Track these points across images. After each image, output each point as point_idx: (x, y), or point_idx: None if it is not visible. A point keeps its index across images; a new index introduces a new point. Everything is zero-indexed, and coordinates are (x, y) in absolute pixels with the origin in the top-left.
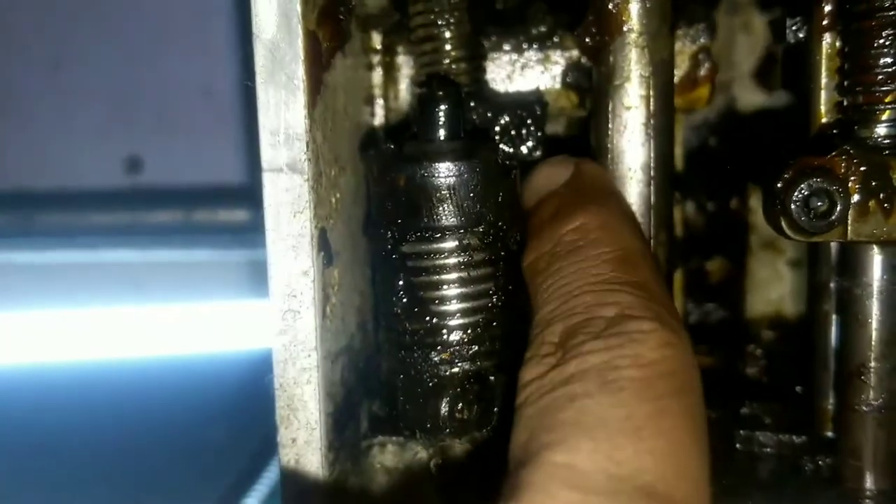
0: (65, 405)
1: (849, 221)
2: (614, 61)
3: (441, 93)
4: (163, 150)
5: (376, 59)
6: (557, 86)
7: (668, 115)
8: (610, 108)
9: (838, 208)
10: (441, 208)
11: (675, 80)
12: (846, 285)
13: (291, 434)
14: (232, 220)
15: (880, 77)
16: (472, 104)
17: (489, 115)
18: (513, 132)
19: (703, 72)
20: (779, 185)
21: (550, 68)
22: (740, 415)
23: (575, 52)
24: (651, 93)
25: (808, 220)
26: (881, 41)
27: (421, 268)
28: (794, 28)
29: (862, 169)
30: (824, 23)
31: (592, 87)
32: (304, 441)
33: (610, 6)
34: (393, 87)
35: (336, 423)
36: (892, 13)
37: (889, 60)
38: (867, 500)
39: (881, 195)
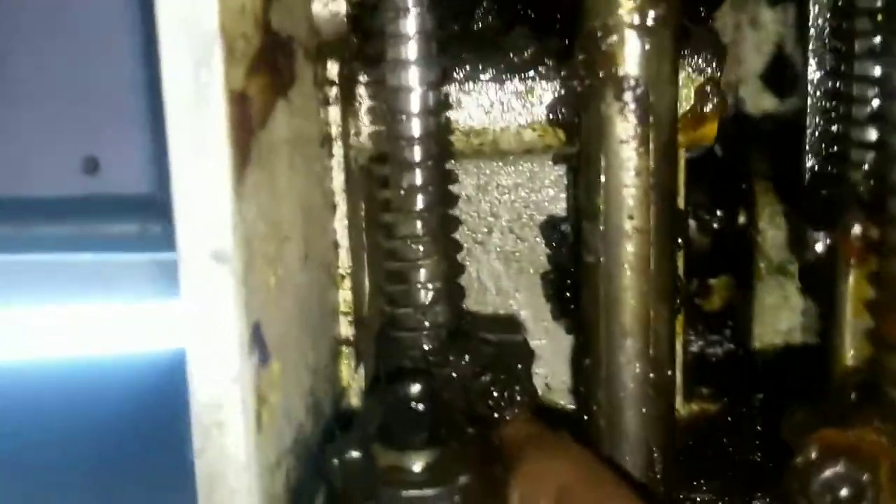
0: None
1: None
2: (606, 111)
3: (416, 390)
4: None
5: (333, 92)
6: (542, 122)
7: (670, 169)
8: (602, 164)
9: (866, 501)
10: None
11: (678, 115)
12: None
13: None
14: None
15: None
16: (448, 357)
17: (469, 368)
18: (496, 394)
19: (710, 107)
20: (799, 461)
21: (534, 104)
22: None
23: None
24: (650, 147)
25: None
26: None
27: None
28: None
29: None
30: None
31: (581, 131)
32: None
33: (602, 46)
34: (354, 123)
35: None
36: None
37: None
38: None
39: None
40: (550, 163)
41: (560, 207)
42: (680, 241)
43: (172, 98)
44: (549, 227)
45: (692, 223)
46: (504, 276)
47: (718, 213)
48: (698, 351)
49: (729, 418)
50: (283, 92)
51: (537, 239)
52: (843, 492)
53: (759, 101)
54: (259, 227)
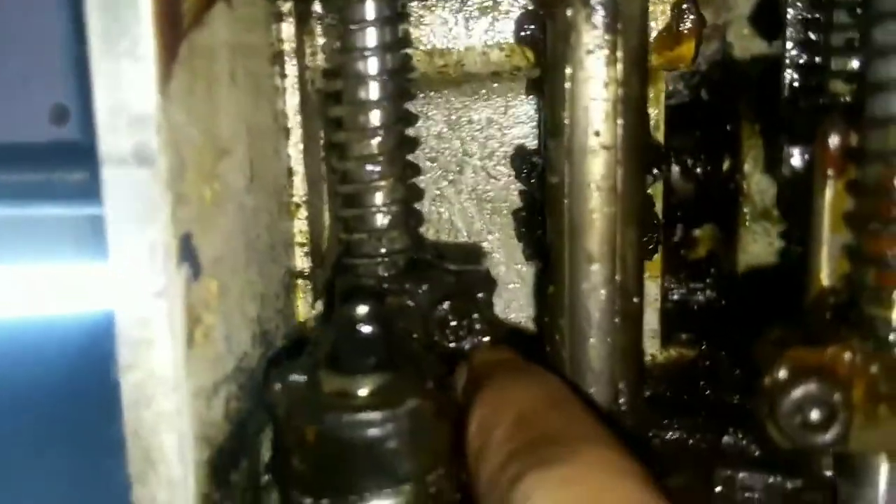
0: None
1: (852, 428)
2: (573, 18)
3: (366, 311)
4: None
5: (287, 6)
6: (510, 40)
7: (639, 82)
8: (567, 75)
9: (838, 422)
10: (361, 466)
11: (653, 34)
12: (846, 490)
13: (150, 493)
14: None
15: None
16: (406, 286)
17: (428, 297)
18: (454, 323)
19: (686, 25)
20: (767, 381)
21: (501, 20)
22: (722, 445)
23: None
24: (618, 56)
25: (802, 431)
26: None
27: None
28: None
29: (871, 370)
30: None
31: (547, 42)
32: (165, 502)
33: None
34: (309, 41)
35: (216, 470)
36: None
37: None
38: None
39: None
40: (524, 96)
41: (535, 145)
42: (655, 171)
43: None
44: (519, 159)
45: (675, 169)
46: (476, 217)
47: (703, 157)
48: (680, 298)
49: (706, 363)
50: None
51: (511, 177)
52: (814, 413)
53: (747, 45)
54: (191, 134)
